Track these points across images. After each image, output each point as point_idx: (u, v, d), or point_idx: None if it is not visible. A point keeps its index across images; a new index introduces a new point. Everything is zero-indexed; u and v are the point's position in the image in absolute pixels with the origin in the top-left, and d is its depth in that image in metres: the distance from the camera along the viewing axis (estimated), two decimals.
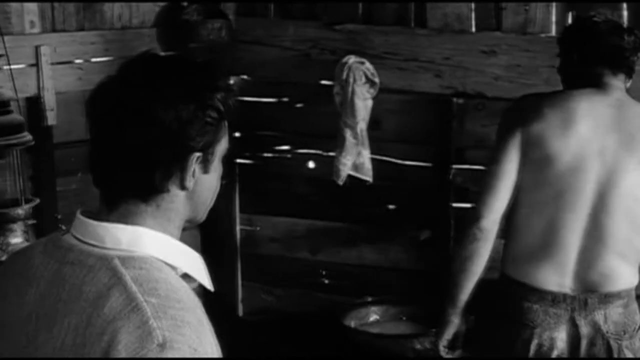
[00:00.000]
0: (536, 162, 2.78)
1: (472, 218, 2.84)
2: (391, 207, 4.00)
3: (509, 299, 2.82)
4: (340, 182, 3.87)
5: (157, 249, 1.49)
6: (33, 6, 3.35)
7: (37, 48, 3.35)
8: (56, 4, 3.44)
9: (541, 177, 2.78)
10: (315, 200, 4.16)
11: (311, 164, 4.12)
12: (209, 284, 1.58)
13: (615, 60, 2.89)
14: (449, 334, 2.89)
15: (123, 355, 1.32)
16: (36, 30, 3.37)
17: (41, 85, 3.36)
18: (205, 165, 1.53)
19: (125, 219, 1.49)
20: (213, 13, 3.88)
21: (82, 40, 3.54)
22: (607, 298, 2.78)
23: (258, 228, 4.31)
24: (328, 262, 4.18)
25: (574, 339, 2.77)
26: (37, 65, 3.36)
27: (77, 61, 3.49)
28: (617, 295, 2.78)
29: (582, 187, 2.75)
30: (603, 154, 2.75)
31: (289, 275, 4.27)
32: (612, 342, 2.78)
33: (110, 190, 1.52)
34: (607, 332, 2.78)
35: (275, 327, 3.99)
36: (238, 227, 4.34)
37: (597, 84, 2.85)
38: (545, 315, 2.77)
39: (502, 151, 2.83)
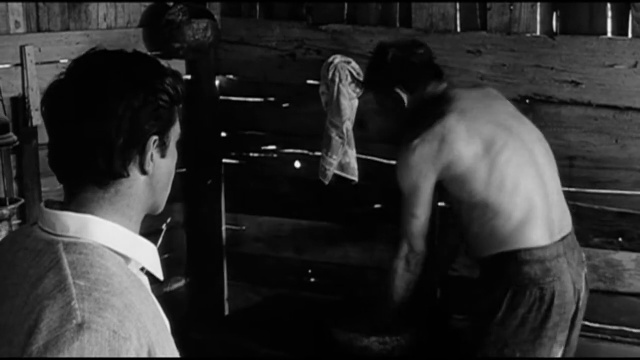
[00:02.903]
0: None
1: (413, 252, 3.18)
2: (377, 206, 4.01)
3: (524, 266, 2.98)
4: (326, 182, 3.87)
5: (105, 237, 1.54)
6: (18, 6, 3.34)
7: (22, 48, 3.34)
8: (41, 4, 3.43)
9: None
10: (301, 200, 4.16)
11: (297, 164, 4.12)
12: (160, 275, 1.64)
13: (434, 69, 3.23)
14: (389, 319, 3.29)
15: (44, 334, 1.38)
16: (21, 30, 3.36)
17: (26, 85, 3.35)
18: (163, 149, 1.59)
19: (81, 208, 1.55)
20: (199, 13, 3.88)
21: (67, 41, 3.53)
22: (572, 235, 3.10)
23: (244, 228, 4.31)
24: (313, 262, 4.19)
25: (577, 277, 3.05)
26: (22, 65, 3.35)
27: (63, 61, 3.48)
28: (573, 231, 3.14)
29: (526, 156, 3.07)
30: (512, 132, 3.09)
31: (275, 275, 4.27)
32: (586, 269, 3.13)
33: (71, 181, 1.58)
34: (583, 261, 3.14)
35: (261, 326, 3.99)
36: (224, 227, 4.34)
37: (441, 100, 3.14)
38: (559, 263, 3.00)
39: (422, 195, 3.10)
